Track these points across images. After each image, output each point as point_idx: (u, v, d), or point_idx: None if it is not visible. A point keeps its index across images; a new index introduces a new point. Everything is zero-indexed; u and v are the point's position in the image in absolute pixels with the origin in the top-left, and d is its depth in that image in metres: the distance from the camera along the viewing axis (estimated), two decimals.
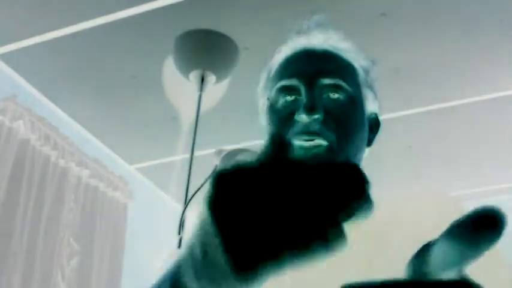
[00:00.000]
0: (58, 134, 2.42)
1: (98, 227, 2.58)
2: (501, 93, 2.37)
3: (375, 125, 0.81)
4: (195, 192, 1.82)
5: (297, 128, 0.70)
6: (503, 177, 2.95)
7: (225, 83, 2.22)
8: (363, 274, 0.66)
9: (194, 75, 2.02)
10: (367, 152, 0.79)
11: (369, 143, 0.79)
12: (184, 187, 1.91)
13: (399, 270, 0.66)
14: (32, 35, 2.11)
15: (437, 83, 2.32)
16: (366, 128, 0.77)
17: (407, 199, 0.75)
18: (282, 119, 0.72)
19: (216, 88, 2.21)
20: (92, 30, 2.07)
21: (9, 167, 2.17)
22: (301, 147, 0.69)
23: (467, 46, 2.11)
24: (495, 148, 2.71)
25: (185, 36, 2.00)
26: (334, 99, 0.73)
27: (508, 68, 2.22)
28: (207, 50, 2.00)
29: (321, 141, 0.69)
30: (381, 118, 0.82)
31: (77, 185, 2.52)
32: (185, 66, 2.03)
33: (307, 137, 0.69)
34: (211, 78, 2.02)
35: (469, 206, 0.72)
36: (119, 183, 2.76)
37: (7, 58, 2.24)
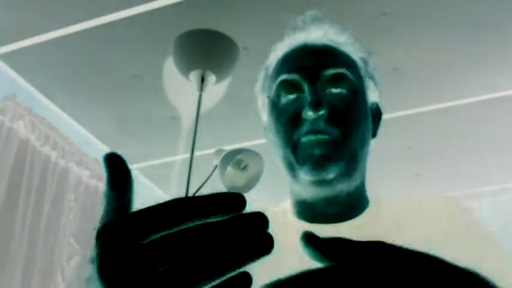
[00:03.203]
0: (58, 134, 2.42)
1: None
2: (501, 93, 2.37)
3: (377, 114, 0.81)
4: (195, 192, 1.82)
5: (305, 127, 0.71)
6: (503, 177, 2.95)
7: (225, 83, 2.22)
8: None
9: (194, 75, 2.02)
10: (372, 143, 0.79)
11: (374, 133, 0.79)
12: (184, 187, 1.91)
13: None
14: (32, 35, 2.11)
15: (437, 83, 2.32)
16: (370, 119, 0.77)
17: (411, 203, 0.75)
18: (289, 120, 0.73)
19: (216, 88, 2.21)
20: (92, 30, 2.07)
21: (9, 167, 2.17)
22: (308, 143, 0.70)
23: (468, 46, 2.11)
24: (495, 148, 2.71)
25: (185, 36, 2.00)
26: (336, 93, 0.72)
27: (508, 68, 2.22)
28: (207, 50, 2.00)
29: (325, 137, 0.70)
30: (382, 107, 0.82)
31: (77, 185, 2.52)
32: (185, 66, 2.03)
33: (313, 136, 0.70)
34: (211, 78, 2.02)
35: (469, 206, 0.73)
36: None
37: (7, 58, 2.24)
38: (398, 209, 0.74)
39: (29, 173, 2.24)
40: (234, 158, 1.82)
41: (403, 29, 2.04)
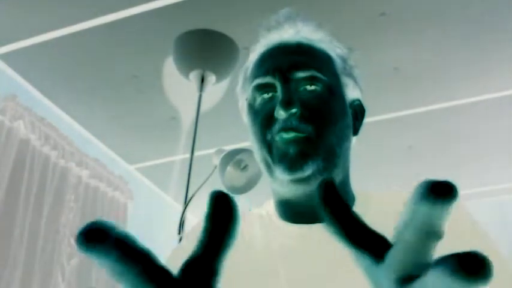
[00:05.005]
0: (58, 134, 2.42)
1: None
2: (501, 93, 2.37)
3: (359, 111, 0.79)
4: (195, 192, 1.82)
5: (277, 125, 0.71)
6: (503, 177, 2.95)
7: (225, 83, 2.22)
8: (357, 274, 0.66)
9: (194, 75, 2.02)
10: (354, 140, 0.78)
11: (356, 131, 0.78)
12: (184, 187, 1.91)
13: None
14: (32, 35, 2.11)
15: (437, 83, 2.32)
16: (349, 115, 0.76)
17: (401, 195, 0.74)
18: (262, 120, 0.73)
19: (216, 88, 2.21)
20: (92, 30, 2.07)
21: (9, 167, 2.17)
22: (282, 142, 0.70)
23: (467, 46, 2.11)
24: (495, 148, 2.71)
25: (185, 36, 2.00)
26: (310, 91, 0.72)
27: (508, 68, 2.22)
28: (207, 50, 2.00)
29: (298, 135, 0.70)
30: (365, 105, 0.80)
31: (77, 185, 2.52)
32: (185, 66, 2.03)
33: (285, 134, 0.70)
34: (211, 78, 2.02)
35: (469, 206, 0.73)
36: (119, 183, 2.76)
37: (7, 58, 2.24)
38: (387, 204, 0.71)
39: (29, 173, 2.24)
40: (234, 158, 1.82)
41: (403, 29, 2.04)
